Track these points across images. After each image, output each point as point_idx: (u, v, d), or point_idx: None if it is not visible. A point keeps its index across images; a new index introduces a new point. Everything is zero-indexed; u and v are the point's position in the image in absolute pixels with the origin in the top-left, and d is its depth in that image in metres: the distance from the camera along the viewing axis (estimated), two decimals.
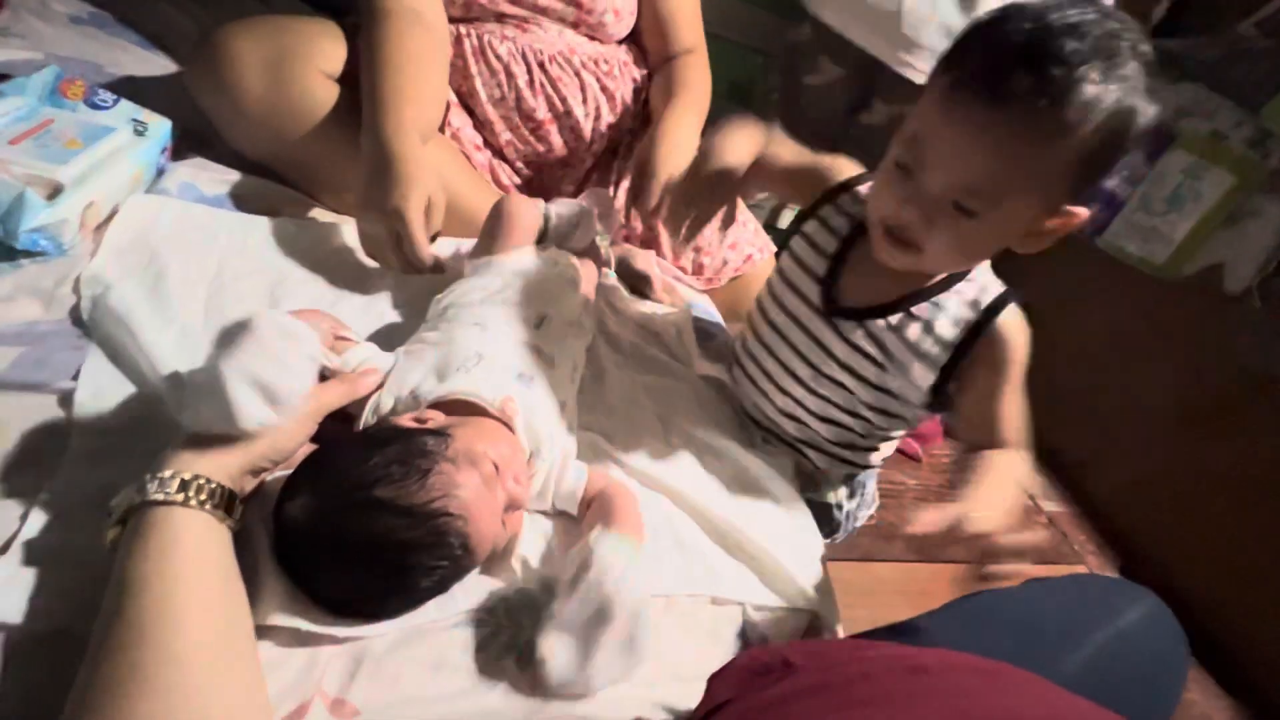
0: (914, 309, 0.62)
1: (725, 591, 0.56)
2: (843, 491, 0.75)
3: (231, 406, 0.41)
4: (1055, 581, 0.72)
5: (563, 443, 0.59)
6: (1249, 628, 1.35)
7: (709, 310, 0.96)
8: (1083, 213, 0.53)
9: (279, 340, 0.45)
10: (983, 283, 0.62)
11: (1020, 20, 0.47)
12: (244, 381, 0.42)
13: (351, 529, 0.43)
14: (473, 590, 0.48)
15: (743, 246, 1.03)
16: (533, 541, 0.53)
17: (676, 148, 0.88)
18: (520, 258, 0.71)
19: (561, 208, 0.82)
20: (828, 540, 0.70)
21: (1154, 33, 1.53)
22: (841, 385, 0.67)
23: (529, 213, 0.77)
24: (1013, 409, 0.63)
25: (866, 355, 0.64)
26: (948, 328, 0.61)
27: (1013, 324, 0.61)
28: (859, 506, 0.78)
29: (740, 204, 1.08)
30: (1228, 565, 1.41)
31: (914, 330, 0.62)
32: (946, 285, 0.62)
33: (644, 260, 0.97)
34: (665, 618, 0.53)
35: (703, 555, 0.58)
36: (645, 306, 0.89)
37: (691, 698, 0.49)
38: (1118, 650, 0.58)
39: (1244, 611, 1.36)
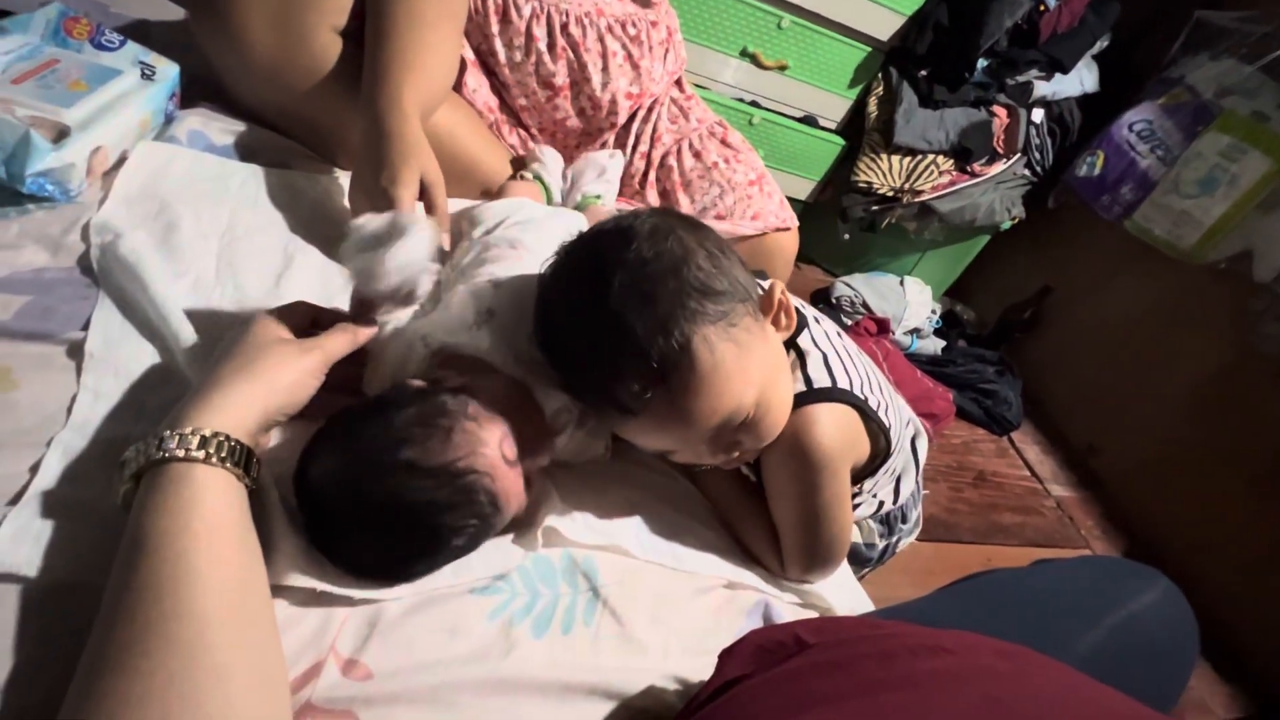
0: None
1: (744, 578, 0.55)
2: (874, 530, 0.72)
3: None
4: (1065, 563, 0.71)
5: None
6: (1252, 616, 1.35)
7: None
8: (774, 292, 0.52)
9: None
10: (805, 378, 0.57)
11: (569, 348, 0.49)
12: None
13: (379, 494, 0.42)
14: (490, 556, 0.48)
15: (767, 218, 1.00)
16: (561, 511, 0.52)
17: None
18: (523, 207, 0.70)
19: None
20: (860, 574, 0.68)
21: (1201, 4, 1.47)
22: None
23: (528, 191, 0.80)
24: (787, 520, 0.57)
25: None
26: None
27: (802, 423, 0.53)
28: (899, 538, 0.74)
29: (770, 176, 1.05)
30: (1234, 554, 1.41)
31: None
32: None
33: None
34: (681, 590, 0.53)
35: (724, 539, 0.57)
36: None
37: (702, 671, 0.48)
38: (1129, 633, 0.57)
39: (1247, 600, 1.36)
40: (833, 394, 0.55)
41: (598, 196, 0.87)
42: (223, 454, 0.40)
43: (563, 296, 0.49)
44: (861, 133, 1.75)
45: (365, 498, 0.43)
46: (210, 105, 0.80)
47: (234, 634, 0.35)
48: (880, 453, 0.60)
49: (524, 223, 0.69)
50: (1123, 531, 1.60)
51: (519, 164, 0.93)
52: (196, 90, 0.80)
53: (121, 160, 0.67)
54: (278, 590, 0.41)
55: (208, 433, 0.40)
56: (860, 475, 0.61)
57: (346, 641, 0.41)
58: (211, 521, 0.38)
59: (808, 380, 0.56)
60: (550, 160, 0.90)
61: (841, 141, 1.78)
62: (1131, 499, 1.63)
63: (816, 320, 0.61)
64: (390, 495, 0.42)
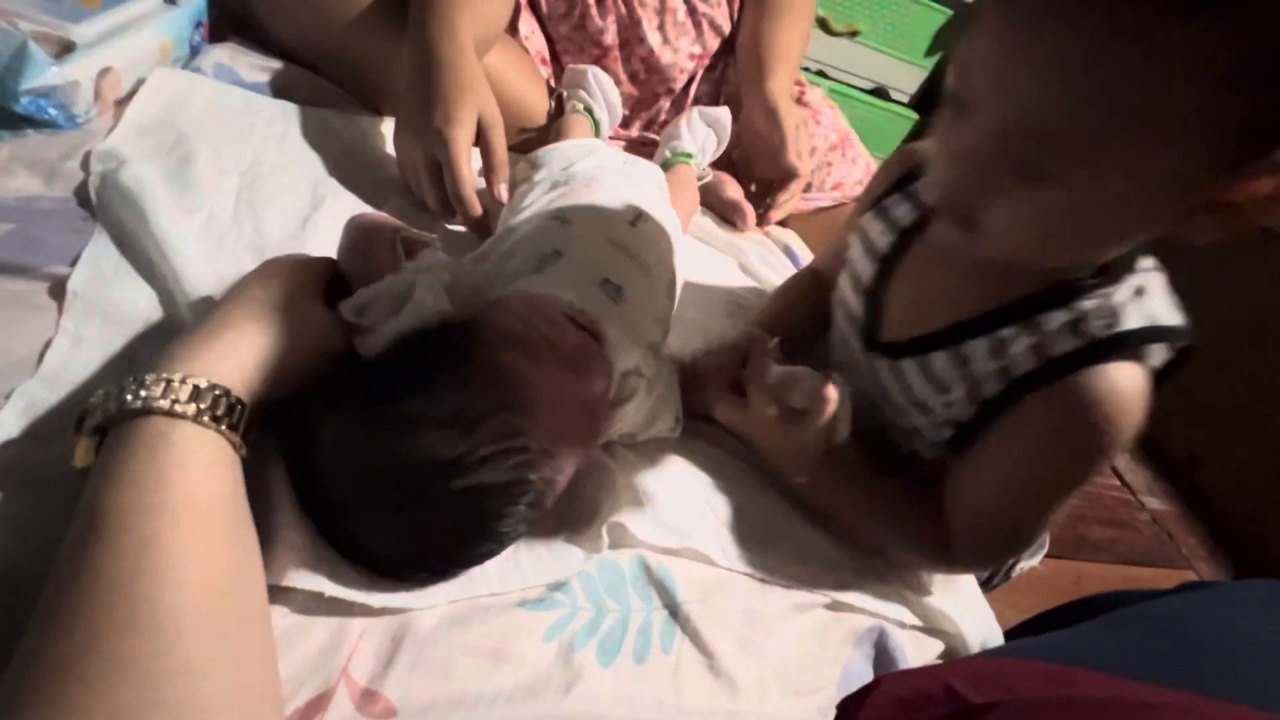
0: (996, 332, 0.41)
1: (850, 599, 0.44)
2: None
3: None
4: (1226, 589, 0.60)
5: (658, 368, 0.46)
6: None
7: (796, 251, 0.83)
8: None
9: None
10: (1127, 300, 0.38)
11: None
12: None
13: (382, 455, 0.33)
14: (542, 558, 0.38)
15: (849, 187, 0.89)
16: (630, 503, 0.42)
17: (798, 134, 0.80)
18: (593, 151, 0.60)
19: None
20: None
21: None
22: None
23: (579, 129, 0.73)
24: (1005, 493, 0.42)
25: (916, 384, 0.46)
26: (1023, 353, 0.40)
27: (1114, 382, 0.37)
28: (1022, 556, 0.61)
29: (855, 138, 0.93)
30: None
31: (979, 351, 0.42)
32: (1059, 299, 0.38)
33: (735, 189, 0.84)
34: (774, 608, 0.42)
35: (826, 543, 0.46)
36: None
37: (806, 717, 0.38)
38: None
39: None
40: (1169, 334, 0.37)
41: (688, 155, 0.77)
42: (219, 411, 0.31)
43: None
44: (937, 106, 1.61)
45: (364, 461, 0.33)
46: (243, 40, 0.72)
47: (212, 654, 0.26)
48: None
49: (598, 167, 0.59)
50: (1229, 552, 1.43)
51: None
52: (230, 25, 0.73)
53: (138, 88, 0.59)
54: (277, 594, 0.31)
55: (203, 383, 0.31)
56: None
57: (363, 664, 0.32)
58: (194, 499, 0.29)
59: (1148, 313, 0.37)
60: (599, 88, 0.77)
61: (915, 116, 1.64)
62: (1240, 516, 1.45)
63: None
64: (395, 458, 0.33)
